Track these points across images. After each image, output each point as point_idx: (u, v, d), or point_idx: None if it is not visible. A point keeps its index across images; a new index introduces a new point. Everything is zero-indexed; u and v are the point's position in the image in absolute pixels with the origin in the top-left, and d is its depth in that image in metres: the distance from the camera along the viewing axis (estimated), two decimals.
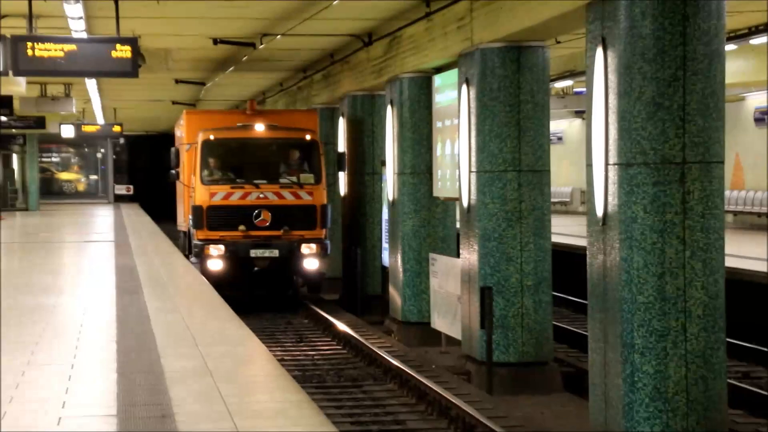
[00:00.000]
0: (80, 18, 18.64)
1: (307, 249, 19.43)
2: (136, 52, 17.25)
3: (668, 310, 11.75)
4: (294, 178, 20.30)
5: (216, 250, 18.94)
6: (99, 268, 21.96)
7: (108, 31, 18.38)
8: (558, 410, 14.55)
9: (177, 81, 31.37)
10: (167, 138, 57.84)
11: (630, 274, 11.91)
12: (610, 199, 12.19)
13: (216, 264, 18.59)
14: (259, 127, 20.80)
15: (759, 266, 19.52)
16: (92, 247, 28.46)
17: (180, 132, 26.32)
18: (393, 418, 14.64)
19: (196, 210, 20.19)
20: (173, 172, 24.36)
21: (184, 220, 25.62)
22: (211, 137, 20.22)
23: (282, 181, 20.14)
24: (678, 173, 11.71)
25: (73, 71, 17.91)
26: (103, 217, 43.74)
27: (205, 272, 17.74)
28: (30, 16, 18.02)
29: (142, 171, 64.34)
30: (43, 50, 17.23)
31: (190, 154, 21.57)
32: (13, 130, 44.50)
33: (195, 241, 19.66)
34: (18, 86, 26.82)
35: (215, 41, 22.71)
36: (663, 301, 11.77)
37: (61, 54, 17.28)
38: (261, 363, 11.02)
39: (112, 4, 17.52)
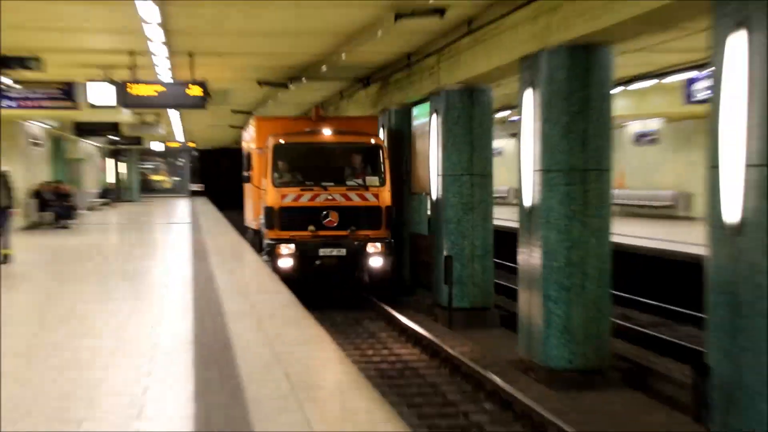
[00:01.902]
0: (167, 68, 18.72)
1: (372, 248, 15.96)
2: (205, 91, 17.34)
3: (573, 272, 11.89)
4: (360, 181, 16.68)
5: (287, 249, 15.55)
6: (179, 242, 21.87)
7: (185, 77, 18.39)
8: (497, 340, 14.71)
9: (233, 111, 31.20)
10: (226, 150, 57.86)
11: (548, 246, 12.05)
12: (535, 194, 12.34)
13: (286, 262, 15.44)
14: (327, 132, 17.19)
15: (634, 241, 19.74)
16: (175, 227, 27.83)
17: (249, 137, 21.48)
18: (382, 345, 14.74)
19: (268, 211, 16.35)
20: (245, 174, 19.60)
21: (253, 218, 20.69)
22: (282, 141, 16.56)
23: (348, 183, 16.53)
24: (581, 177, 11.85)
25: (161, 105, 18.03)
26: (182, 207, 43.55)
27: (276, 270, 14.87)
28: (133, 67, 18.05)
29: (209, 174, 64.15)
30: (141, 90, 17.32)
31: (260, 157, 17.66)
32: (120, 146, 44.74)
33: (267, 241, 16.21)
34: (124, 116, 26.75)
35: (259, 83, 22.64)
36: (569, 266, 11.90)
37: (154, 93, 17.42)
38: (292, 307, 11.04)
39: (188, 58, 17.60)
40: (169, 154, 65.36)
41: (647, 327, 15.82)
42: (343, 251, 16.01)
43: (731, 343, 8.00)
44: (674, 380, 11.41)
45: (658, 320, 16.81)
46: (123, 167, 55.25)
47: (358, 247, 16.30)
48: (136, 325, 9.83)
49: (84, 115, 25.01)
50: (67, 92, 18.94)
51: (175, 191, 66.72)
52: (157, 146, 48.47)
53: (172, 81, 18.36)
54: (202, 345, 8.43)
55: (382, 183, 17.11)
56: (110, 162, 51.64)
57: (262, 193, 17.60)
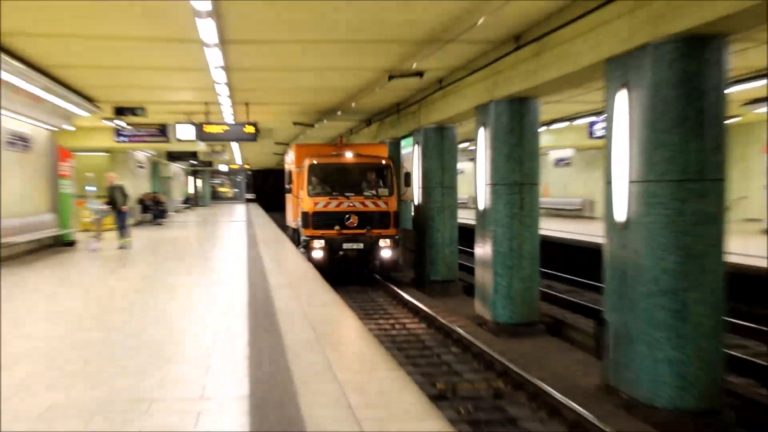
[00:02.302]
0: (230, 114, 18.78)
1: (383, 243, 15.74)
2: (256, 129, 17.34)
3: (513, 255, 11.88)
4: (374, 191, 16.34)
5: (318, 243, 15.35)
6: (237, 235, 21.80)
7: (242, 119, 18.46)
8: (459, 303, 14.64)
9: (276, 143, 31.16)
10: (270, 170, 57.77)
11: (496, 239, 12.04)
12: (487, 201, 12.34)
13: (318, 253, 15.27)
14: (349, 154, 16.82)
15: (555, 234, 19.73)
16: (234, 224, 27.59)
17: (290, 159, 20.61)
18: (380, 307, 14.67)
19: (304, 215, 16.01)
20: (287, 187, 19.05)
21: (292, 219, 19.99)
22: (315, 161, 16.33)
23: (365, 193, 16.20)
24: (518, 189, 11.86)
25: (226, 139, 18.00)
26: (239, 210, 43.49)
27: (310, 259, 14.78)
28: (207, 113, 18.14)
29: (258, 186, 64.35)
30: (212, 129, 17.34)
31: (298, 174, 17.23)
32: (197, 168, 44.81)
33: (303, 237, 15.94)
34: (200, 146, 26.83)
35: (294, 123, 22.60)
36: (510, 250, 11.88)
37: (221, 131, 17.37)
38: (317, 280, 11.04)
39: (245, 107, 17.65)
40: (231, 173, 65.52)
41: (564, 293, 15.85)
42: (361, 245, 15.83)
43: (620, 304, 8.09)
44: (582, 330, 11.46)
45: (571, 288, 16.83)
46: (199, 182, 55.43)
47: (373, 242, 15.99)
48: (208, 292, 9.87)
49: (173, 147, 25.03)
50: (162, 131, 19.03)
51: (234, 199, 66.78)
52: (222, 167, 48.62)
53: (233, 122, 18.37)
54: (254, 306, 8.49)
55: (391, 193, 16.70)
56: (191, 178, 51.85)
57: (299, 201, 17.16)
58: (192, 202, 47.82)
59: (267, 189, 63.24)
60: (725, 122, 7.52)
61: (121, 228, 16.85)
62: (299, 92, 16.73)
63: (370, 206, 16.20)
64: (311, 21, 9.81)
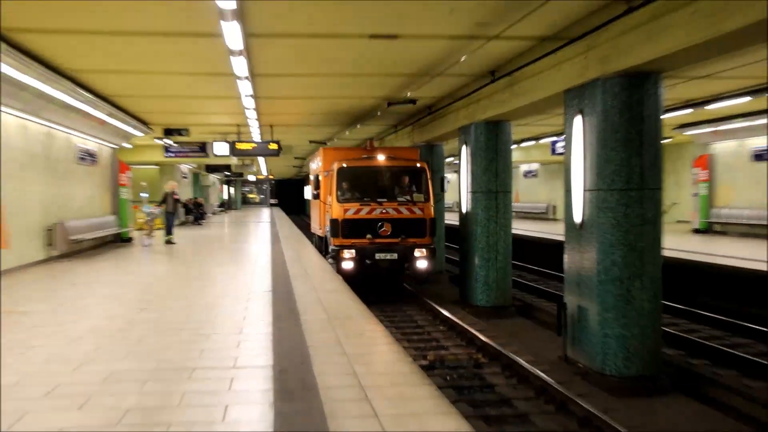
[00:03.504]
0: (258, 133, 18.77)
1: (418, 252, 12.44)
2: (279, 146, 17.29)
3: (490, 250, 11.88)
4: (408, 197, 13.05)
5: (348, 254, 12.27)
6: (262, 233, 21.72)
7: (267, 138, 18.45)
8: (446, 289, 14.49)
9: (295, 157, 31.13)
10: (291, 180, 57.86)
11: (476, 236, 12.04)
12: (469, 206, 12.34)
13: (348, 264, 12.19)
14: (381, 157, 13.38)
15: (524, 233, 19.70)
16: (261, 224, 27.45)
17: (316, 164, 16.97)
18: (385, 293, 14.13)
19: (333, 222, 12.78)
20: (314, 192, 15.16)
21: (319, 227, 16.22)
22: (345, 165, 13.03)
23: (399, 199, 12.91)
24: (494, 195, 11.87)
25: (254, 154, 17.88)
26: (265, 212, 43.40)
27: (339, 270, 11.88)
28: (238, 133, 18.13)
29: (280, 193, 64.38)
30: (243, 146, 17.30)
31: (326, 179, 14.05)
32: (230, 178, 44.79)
33: (332, 246, 12.90)
34: (233, 160, 26.78)
35: (310, 141, 22.59)
36: (488, 246, 11.89)
37: (250, 147, 17.31)
38: (328, 271, 10.98)
39: (270, 128, 17.63)
40: (257, 182, 65.36)
41: (532, 282, 15.82)
42: (395, 255, 12.33)
43: (577, 290, 8.09)
44: (547, 311, 11.45)
45: (538, 278, 16.74)
46: (232, 189, 55.36)
47: (407, 252, 12.41)
48: (239, 280, 9.85)
49: (211, 161, 25.15)
50: (202, 148, 19.02)
51: (261, 203, 66.70)
52: (251, 177, 48.50)
53: (260, 141, 18.34)
54: (276, 292, 8.49)
55: (427, 199, 12.90)
56: (225, 187, 51.74)
57: (327, 207, 13.73)
58: (226, 206, 47.71)
59: (287, 195, 63.47)
60: (661, 142, 7.55)
61: (168, 227, 17.02)
62: (314, 116, 16.72)
63: (405, 213, 12.62)
64: (324, 59, 9.84)
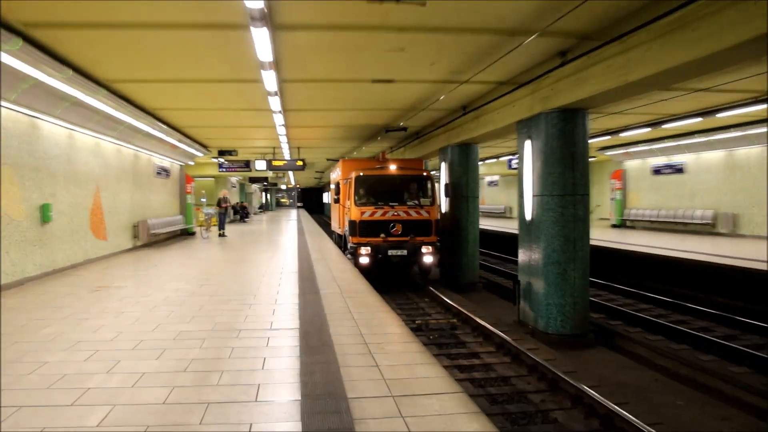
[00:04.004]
0: (288, 153, 18.68)
1: (425, 249, 11.09)
2: (304, 163, 17.18)
3: (462, 241, 11.82)
4: (416, 201, 11.64)
5: (365, 250, 10.98)
6: (291, 228, 21.62)
7: (295, 156, 18.38)
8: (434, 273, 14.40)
9: (316, 171, 31.11)
10: (313, 188, 57.44)
11: (451, 230, 11.99)
12: (447, 208, 12.27)
13: (364, 259, 10.87)
14: (392, 167, 12.04)
15: (487, 227, 19.64)
16: (290, 222, 27.33)
17: (336, 173, 15.38)
18: (395, 280, 13.49)
19: (352, 223, 11.42)
20: (335, 197, 13.61)
21: (339, 227, 14.59)
22: (361, 173, 11.76)
23: (408, 203, 11.56)
24: (467, 200, 11.68)
25: (286, 169, 17.77)
26: (293, 213, 43.30)
27: (357, 264, 10.73)
28: (273, 153, 18.03)
29: (305, 198, 64.03)
30: (277, 163, 17.19)
31: (345, 186, 12.70)
32: (267, 187, 44.57)
33: (350, 244, 11.55)
34: (270, 174, 26.63)
35: (327, 159, 22.49)
36: (461, 237, 11.88)
37: (282, 163, 17.21)
38: (341, 256, 10.94)
39: (297, 149, 17.54)
40: (288, 189, 65.00)
41: (494, 264, 15.74)
42: (405, 252, 10.93)
43: (527, 270, 8.07)
44: (506, 288, 11.38)
45: (499, 261, 16.61)
46: (268, 196, 55.10)
47: (415, 249, 10.97)
48: (273, 263, 9.82)
49: (253, 174, 25.02)
50: (247, 164, 18.90)
51: (290, 206, 66.52)
52: (282, 186, 48.26)
53: (290, 159, 18.24)
54: (301, 272, 8.46)
55: (432, 203, 11.51)
56: (263, 193, 51.46)
57: (346, 210, 12.20)
58: (264, 208, 47.50)
59: (310, 199, 63.17)
60: (588, 160, 7.53)
61: (221, 224, 17.00)
62: (330, 140, 16.60)
63: (413, 215, 11.22)
64: (338, 97, 9.80)
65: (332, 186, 15.95)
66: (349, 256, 11.13)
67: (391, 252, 10.91)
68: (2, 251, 7.08)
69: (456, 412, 2.99)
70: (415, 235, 11.05)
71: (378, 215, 11.12)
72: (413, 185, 11.86)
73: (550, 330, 7.43)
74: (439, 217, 11.50)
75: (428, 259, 11.04)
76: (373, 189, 11.65)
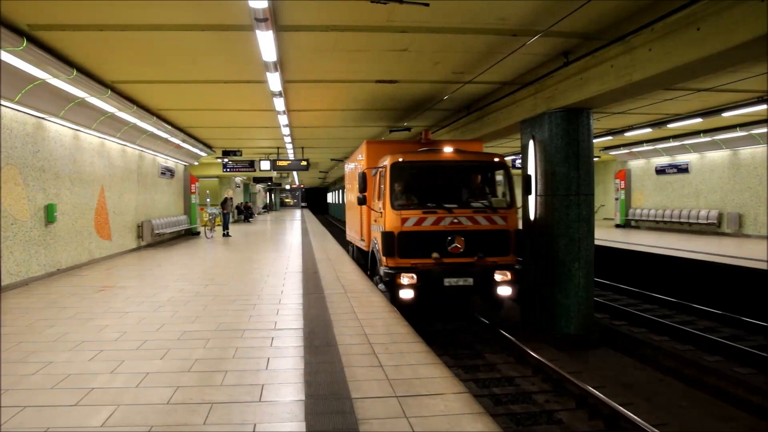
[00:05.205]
0: (292, 153, 18.68)
1: (500, 275, 6.72)
2: (307, 163, 17.19)
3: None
4: (485, 202, 7.10)
5: (408, 279, 6.55)
6: (295, 228, 21.57)
7: (299, 157, 18.39)
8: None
9: (320, 171, 31.10)
10: (317, 188, 57.48)
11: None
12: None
13: (408, 293, 6.57)
14: (448, 150, 7.30)
15: None
16: (294, 222, 27.24)
17: (356, 162, 10.07)
18: None
19: (387, 237, 6.75)
20: (360, 196, 7.56)
21: (360, 237, 9.31)
22: (401, 159, 7.08)
23: (474, 205, 6.92)
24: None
25: (289, 169, 17.70)
26: (297, 213, 43.29)
27: (394, 299, 6.62)
28: (278, 153, 18.05)
29: (308, 198, 64.11)
30: (281, 163, 17.18)
31: (373, 179, 7.96)
32: (272, 187, 44.66)
33: (384, 269, 6.78)
34: (274, 174, 26.65)
35: (331, 159, 22.51)
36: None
37: (286, 164, 17.18)
38: (345, 256, 10.90)
39: (301, 149, 17.56)
40: (292, 190, 65.03)
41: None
42: (470, 280, 6.88)
43: (534, 269, 8.00)
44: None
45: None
46: (273, 195, 55.22)
47: (486, 274, 6.97)
48: (278, 263, 9.76)
49: (257, 174, 24.97)
50: (251, 164, 18.89)
51: (294, 206, 66.61)
52: (287, 186, 48.33)
53: (294, 159, 18.25)
54: (305, 272, 8.43)
55: (510, 205, 7.31)
56: (267, 193, 51.57)
57: (376, 215, 7.84)
58: (268, 208, 47.60)
59: (313, 199, 63.31)
60: (592, 160, 7.48)
61: (226, 224, 17.06)
62: (334, 140, 16.62)
63: (483, 223, 7.07)
64: (341, 98, 9.79)
65: (347, 182, 11.72)
66: (381, 286, 7.09)
67: (448, 281, 6.84)
68: (7, 251, 7.10)
69: (460, 413, 2.97)
70: (485, 253, 6.94)
71: (429, 224, 6.89)
72: (480, 177, 7.78)
73: (554, 331, 7.38)
74: (519, 225, 7.43)
75: (505, 290, 7.00)
76: (420, 183, 7.47)
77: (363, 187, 7.43)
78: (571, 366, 6.26)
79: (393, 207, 7.00)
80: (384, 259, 7.00)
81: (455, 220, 6.92)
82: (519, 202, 7.69)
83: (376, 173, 7.92)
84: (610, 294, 10.81)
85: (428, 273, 6.76)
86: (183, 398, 3.20)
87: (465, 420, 2.88)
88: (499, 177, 7.80)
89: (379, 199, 7.55)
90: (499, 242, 7.02)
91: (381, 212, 7.31)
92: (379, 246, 7.36)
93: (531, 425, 4.92)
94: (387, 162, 7.33)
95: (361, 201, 7.66)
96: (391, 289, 6.82)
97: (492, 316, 7.98)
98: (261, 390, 3.32)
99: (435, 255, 6.83)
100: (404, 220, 6.91)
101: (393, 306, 5.57)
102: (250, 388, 3.36)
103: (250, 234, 18.38)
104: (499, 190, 7.76)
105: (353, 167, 10.43)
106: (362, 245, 9.14)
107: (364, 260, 9.17)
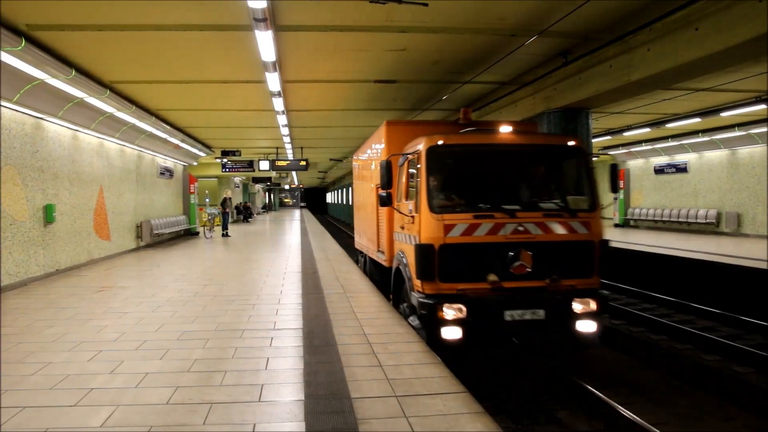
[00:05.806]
0: (291, 153, 18.67)
1: (580, 305, 3.99)
2: (307, 163, 17.17)
3: None
4: (559, 202, 4.33)
5: (454, 312, 3.84)
6: (294, 228, 21.51)
7: (299, 156, 18.40)
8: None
9: (319, 171, 31.14)
10: (316, 188, 57.44)
11: None
12: None
13: (453, 332, 3.89)
14: (505, 129, 4.38)
15: None
16: (293, 221, 27.17)
17: (369, 152, 7.37)
18: None
19: (424, 251, 4.06)
20: (383, 194, 4.87)
21: (376, 247, 6.80)
22: (441, 143, 4.20)
23: (544, 206, 4.20)
24: None
25: (289, 169, 17.73)
26: (296, 212, 43.25)
27: (432, 338, 4.06)
28: (277, 153, 18.04)
29: (307, 197, 64.09)
30: (280, 163, 17.18)
31: (398, 170, 5.20)
32: (271, 186, 44.58)
33: (419, 297, 4.12)
34: (273, 174, 26.64)
35: (330, 159, 22.58)
36: None
37: (285, 164, 17.18)
38: (344, 256, 10.76)
39: (300, 149, 17.55)
40: (291, 189, 64.95)
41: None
42: (540, 313, 4.25)
43: None
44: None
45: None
46: (272, 195, 55.18)
47: (562, 305, 4.38)
48: (277, 263, 9.74)
49: (256, 174, 25.02)
50: (250, 164, 18.89)
51: (293, 206, 66.55)
52: (286, 186, 48.33)
53: (293, 159, 18.26)
54: (305, 272, 8.43)
55: (593, 207, 4.85)
56: (267, 193, 51.52)
57: (405, 220, 5.16)
58: (267, 208, 47.58)
59: (312, 199, 63.33)
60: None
61: (225, 224, 17.05)
62: (333, 140, 16.65)
63: (558, 231, 4.60)
64: (340, 98, 9.80)
65: (356, 178, 9.70)
66: (414, 320, 4.92)
67: (510, 314, 4.55)
68: (6, 252, 7.09)
69: (459, 412, 2.97)
70: (560, 274, 4.70)
71: (483, 233, 4.59)
72: (548, 168, 5.29)
73: None
74: (605, 234, 5.09)
75: (588, 325, 4.77)
76: (468, 176, 5.06)
77: (387, 181, 5.02)
78: (571, 366, 6.24)
79: (432, 209, 4.64)
80: (418, 282, 4.68)
81: (520, 228, 4.56)
82: (604, 201, 5.63)
83: (403, 163, 5.43)
84: (610, 294, 10.78)
85: (482, 303, 4.47)
86: (182, 398, 3.20)
87: (464, 419, 2.88)
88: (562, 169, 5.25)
89: (407, 198, 5.29)
90: (578, 258, 4.78)
91: (412, 216, 4.98)
92: (409, 263, 5.09)
93: (530, 424, 4.92)
94: (422, 146, 4.90)
95: (385, 201, 5.21)
96: (429, 326, 4.51)
97: (559, 356, 5.62)
98: (260, 390, 3.32)
99: (492, 278, 4.49)
100: (448, 228, 4.54)
101: (429, 347, 3.73)
102: (249, 388, 3.35)
103: (249, 234, 18.36)
104: (568, 183, 5.23)
105: (365, 158, 8.19)
106: (380, 259, 6.77)
107: (381, 277, 7.17)
